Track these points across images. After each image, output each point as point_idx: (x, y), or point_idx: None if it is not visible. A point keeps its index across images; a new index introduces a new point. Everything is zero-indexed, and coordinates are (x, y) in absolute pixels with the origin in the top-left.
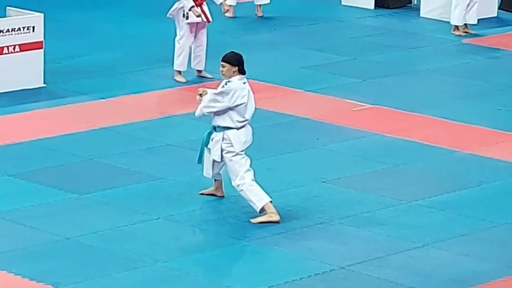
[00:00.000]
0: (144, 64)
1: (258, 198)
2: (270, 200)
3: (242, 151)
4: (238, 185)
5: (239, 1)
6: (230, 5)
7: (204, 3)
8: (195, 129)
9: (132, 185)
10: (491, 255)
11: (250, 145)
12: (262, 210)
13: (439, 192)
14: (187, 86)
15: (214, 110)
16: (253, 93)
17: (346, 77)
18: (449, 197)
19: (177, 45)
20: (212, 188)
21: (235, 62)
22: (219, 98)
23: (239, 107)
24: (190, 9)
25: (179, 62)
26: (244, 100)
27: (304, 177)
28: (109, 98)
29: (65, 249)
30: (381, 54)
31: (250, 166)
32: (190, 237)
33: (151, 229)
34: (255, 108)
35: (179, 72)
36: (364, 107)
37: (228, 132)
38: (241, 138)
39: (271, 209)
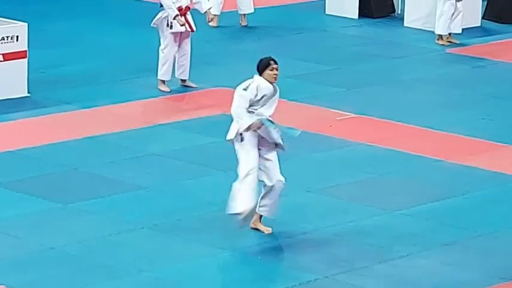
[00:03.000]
0: (128, 73)
1: (246, 200)
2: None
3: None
4: None
5: (223, 10)
6: (214, 14)
7: (188, 12)
8: (180, 138)
9: (116, 195)
10: (475, 264)
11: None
12: None
13: (423, 202)
14: (172, 95)
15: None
16: None
17: (330, 87)
18: (433, 206)
19: (161, 54)
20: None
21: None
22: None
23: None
24: (174, 19)
25: (163, 72)
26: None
27: (289, 187)
28: (93, 108)
29: (50, 259)
30: (365, 64)
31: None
32: (174, 246)
33: (136, 238)
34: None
35: (163, 81)
36: (348, 117)
37: None
38: None
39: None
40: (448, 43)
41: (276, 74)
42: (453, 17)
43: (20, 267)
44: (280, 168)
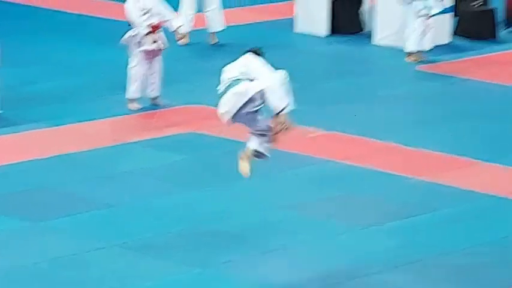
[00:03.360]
0: (99, 91)
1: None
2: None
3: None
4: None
5: (193, 28)
6: (184, 32)
7: (159, 30)
8: (150, 156)
9: (86, 212)
10: (445, 281)
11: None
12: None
13: (392, 219)
14: (141, 113)
15: None
16: (207, 120)
17: (300, 104)
18: (403, 224)
19: (130, 72)
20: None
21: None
22: None
23: None
24: (144, 37)
25: (133, 90)
26: None
27: (260, 204)
28: (64, 126)
29: (20, 277)
30: (335, 81)
31: None
32: (145, 264)
33: (106, 256)
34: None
35: (133, 99)
36: (318, 134)
37: None
38: None
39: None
40: (418, 60)
41: None
42: (424, 34)
43: None
44: (247, 185)
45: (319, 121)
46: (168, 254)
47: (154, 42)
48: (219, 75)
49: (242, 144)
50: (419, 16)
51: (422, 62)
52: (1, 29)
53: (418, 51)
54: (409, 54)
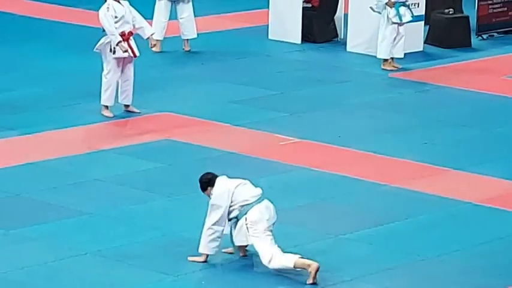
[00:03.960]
0: (71, 99)
1: (287, 259)
2: (299, 256)
3: (265, 229)
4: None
5: (166, 35)
6: (157, 40)
7: (131, 37)
8: (123, 164)
9: (59, 221)
10: None
11: (274, 222)
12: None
13: (366, 226)
14: (115, 120)
15: (218, 217)
16: (181, 128)
17: (274, 111)
18: (376, 231)
19: (104, 79)
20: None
21: (205, 185)
22: (214, 208)
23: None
24: (117, 44)
25: (106, 97)
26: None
27: None
28: (36, 133)
29: None
30: (308, 89)
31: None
32: (118, 272)
33: (79, 264)
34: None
35: (106, 107)
36: (291, 141)
37: (248, 212)
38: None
39: (305, 261)
40: (394, 67)
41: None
42: (395, 42)
43: None
44: None
45: (292, 129)
46: (141, 262)
47: (125, 51)
48: (192, 82)
49: (215, 152)
50: (392, 23)
51: (397, 69)
52: None
53: (391, 59)
54: (384, 61)
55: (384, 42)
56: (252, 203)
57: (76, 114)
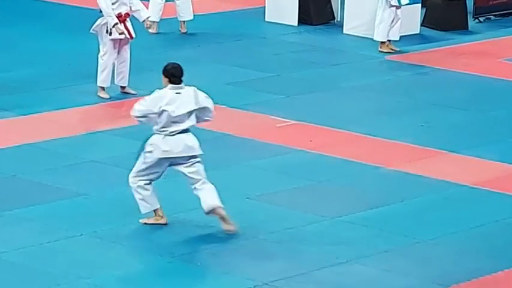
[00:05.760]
0: (67, 80)
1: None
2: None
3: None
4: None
5: (163, 17)
6: (153, 21)
7: (128, 19)
8: (119, 145)
9: (55, 202)
10: (414, 271)
11: (178, 157)
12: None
13: (362, 208)
14: (111, 102)
15: (138, 114)
16: None
17: (270, 94)
18: (372, 213)
19: (100, 61)
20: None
21: (164, 72)
22: (142, 101)
23: (163, 114)
24: (113, 26)
25: (102, 78)
26: (166, 109)
27: (228, 194)
28: (32, 114)
29: None
30: (304, 71)
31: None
32: (113, 253)
33: (75, 246)
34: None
35: (102, 88)
36: (287, 124)
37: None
38: (159, 144)
39: (159, 212)
40: (391, 50)
41: None
42: (392, 24)
43: None
44: (216, 175)
45: (289, 111)
46: (137, 243)
47: (122, 33)
48: (189, 64)
49: (211, 133)
50: (390, 6)
51: (394, 52)
52: None
53: (388, 41)
54: (382, 44)
55: (382, 24)
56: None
57: (72, 96)
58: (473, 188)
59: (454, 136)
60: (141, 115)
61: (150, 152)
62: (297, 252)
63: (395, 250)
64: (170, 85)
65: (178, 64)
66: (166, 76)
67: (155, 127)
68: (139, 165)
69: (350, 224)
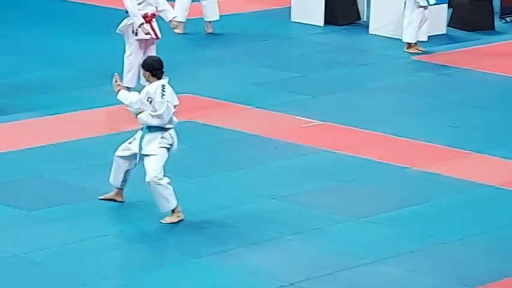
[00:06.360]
0: (93, 80)
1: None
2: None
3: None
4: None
5: (189, 17)
6: (179, 21)
7: (154, 19)
8: None
9: (81, 202)
10: (440, 271)
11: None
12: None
13: (388, 209)
14: None
15: (166, 115)
16: (202, 110)
17: (296, 94)
18: (398, 214)
19: (126, 61)
20: (113, 193)
21: (146, 67)
22: (160, 104)
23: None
24: (139, 26)
25: (128, 79)
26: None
27: (253, 194)
28: (58, 114)
29: (13, 266)
30: (330, 71)
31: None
32: (139, 253)
33: (101, 246)
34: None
35: (128, 88)
36: (313, 124)
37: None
38: (170, 138)
39: (178, 208)
40: (418, 51)
41: None
42: (420, 25)
43: None
44: (241, 175)
45: (314, 111)
46: (163, 243)
47: (147, 33)
48: (215, 64)
49: (237, 134)
50: (419, 7)
51: (421, 53)
52: None
53: (416, 42)
54: (408, 45)
55: (411, 26)
56: None
57: (98, 96)
58: (499, 188)
59: (481, 136)
60: (168, 116)
61: (170, 145)
62: (323, 252)
63: (422, 251)
64: (164, 79)
65: (158, 57)
66: (148, 70)
67: (161, 122)
68: (161, 162)
69: (376, 225)
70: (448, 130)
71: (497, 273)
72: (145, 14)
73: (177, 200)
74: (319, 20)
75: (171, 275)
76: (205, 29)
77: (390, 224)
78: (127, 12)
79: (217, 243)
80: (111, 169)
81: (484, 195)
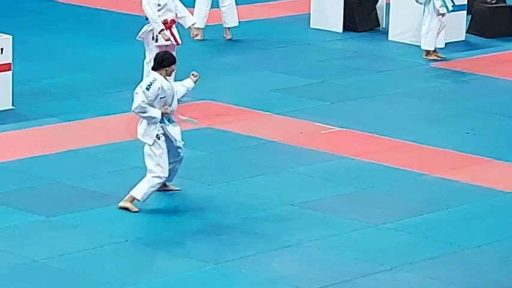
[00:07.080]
0: (113, 86)
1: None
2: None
3: None
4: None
5: (208, 24)
6: (198, 28)
7: (174, 25)
8: None
9: (100, 208)
10: (459, 278)
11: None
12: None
13: (407, 216)
14: None
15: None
16: (222, 116)
17: (315, 100)
18: (417, 221)
19: (146, 67)
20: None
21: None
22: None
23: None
24: (159, 32)
25: None
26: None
27: (272, 200)
28: (77, 121)
29: (32, 272)
30: (349, 78)
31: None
32: (158, 260)
33: (119, 252)
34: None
35: None
36: (332, 130)
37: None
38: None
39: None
40: (438, 58)
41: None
42: (438, 32)
43: (2, 280)
44: (261, 181)
45: (333, 117)
46: (181, 249)
47: (168, 39)
48: (233, 71)
49: (256, 140)
50: (438, 15)
51: (440, 59)
52: (14, 24)
53: (435, 49)
54: (427, 52)
55: (430, 33)
56: None
57: (117, 102)
58: None
59: (500, 143)
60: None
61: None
62: (342, 259)
63: (440, 258)
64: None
65: (164, 52)
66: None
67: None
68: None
69: (395, 231)
70: (467, 137)
71: None
72: (165, 20)
73: (197, 206)
74: (338, 27)
75: (190, 282)
76: (224, 36)
77: (409, 231)
78: (147, 18)
79: (236, 249)
80: (129, 175)
81: (503, 202)
